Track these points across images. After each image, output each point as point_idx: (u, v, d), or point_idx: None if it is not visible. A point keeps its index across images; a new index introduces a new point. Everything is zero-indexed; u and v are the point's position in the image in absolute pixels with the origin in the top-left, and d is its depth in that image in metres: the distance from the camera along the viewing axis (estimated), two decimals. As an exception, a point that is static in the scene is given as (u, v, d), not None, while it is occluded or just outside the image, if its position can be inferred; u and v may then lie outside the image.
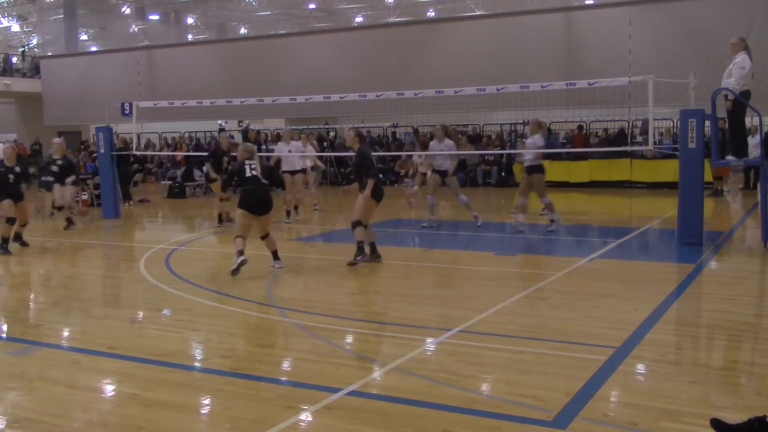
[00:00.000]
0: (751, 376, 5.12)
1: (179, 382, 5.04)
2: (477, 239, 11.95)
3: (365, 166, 9.18)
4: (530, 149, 12.09)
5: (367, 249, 9.24)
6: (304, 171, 14.55)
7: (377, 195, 9.15)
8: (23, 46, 39.65)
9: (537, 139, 12.03)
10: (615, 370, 5.07)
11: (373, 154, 9.65)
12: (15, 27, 40.83)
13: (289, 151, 14.01)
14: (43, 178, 14.43)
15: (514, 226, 12.30)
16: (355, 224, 9.12)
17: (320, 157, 20.51)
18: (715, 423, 3.85)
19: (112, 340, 6.09)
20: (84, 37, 42.42)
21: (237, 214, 8.97)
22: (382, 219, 14.09)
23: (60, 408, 4.59)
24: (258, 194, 8.88)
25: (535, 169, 11.98)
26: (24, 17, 39.37)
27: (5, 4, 37.42)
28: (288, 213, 14.12)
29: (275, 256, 9.12)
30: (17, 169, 11.21)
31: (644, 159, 20.43)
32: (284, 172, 13.83)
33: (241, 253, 8.59)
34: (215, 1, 36.11)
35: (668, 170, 19.18)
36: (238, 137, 25.86)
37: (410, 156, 23.51)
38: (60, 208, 13.64)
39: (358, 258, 9.04)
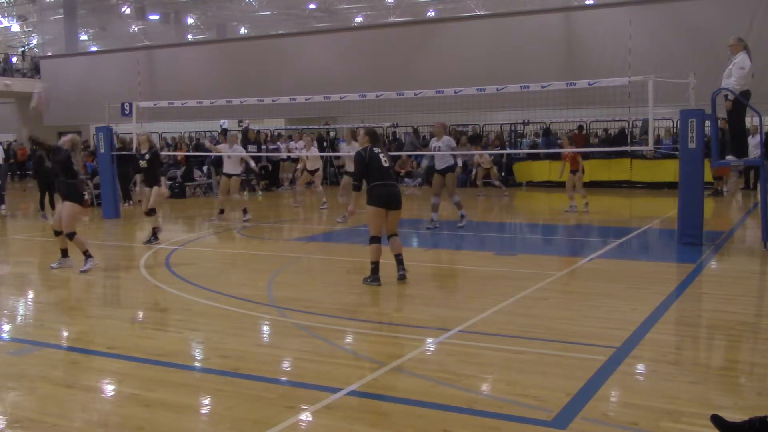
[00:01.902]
0: (751, 376, 5.11)
1: (179, 382, 5.03)
2: (477, 239, 11.95)
3: (354, 168, 8.14)
4: (446, 151, 12.44)
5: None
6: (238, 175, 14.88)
7: (375, 200, 7.90)
8: (23, 46, 39.67)
9: (449, 140, 12.50)
10: (615, 370, 5.07)
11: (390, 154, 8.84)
12: (15, 27, 40.85)
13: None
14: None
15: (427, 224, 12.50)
16: (369, 240, 8.06)
17: (321, 158, 20.66)
18: (716, 419, 3.85)
19: (112, 340, 6.08)
20: (84, 37, 42.44)
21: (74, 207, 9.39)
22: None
23: (60, 408, 4.59)
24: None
25: (449, 169, 12.45)
26: (24, 17, 39.39)
27: (5, 4, 37.43)
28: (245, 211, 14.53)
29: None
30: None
31: (644, 159, 20.43)
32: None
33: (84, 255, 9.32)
34: (215, 1, 36.12)
35: (668, 170, 19.19)
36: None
37: (410, 156, 23.56)
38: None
39: (368, 279, 8.03)
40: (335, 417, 4.35)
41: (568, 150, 15.16)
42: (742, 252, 10.45)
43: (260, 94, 16.63)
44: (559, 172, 15.89)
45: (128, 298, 8.30)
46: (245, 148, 22.25)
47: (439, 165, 12.50)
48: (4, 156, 18.08)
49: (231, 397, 4.69)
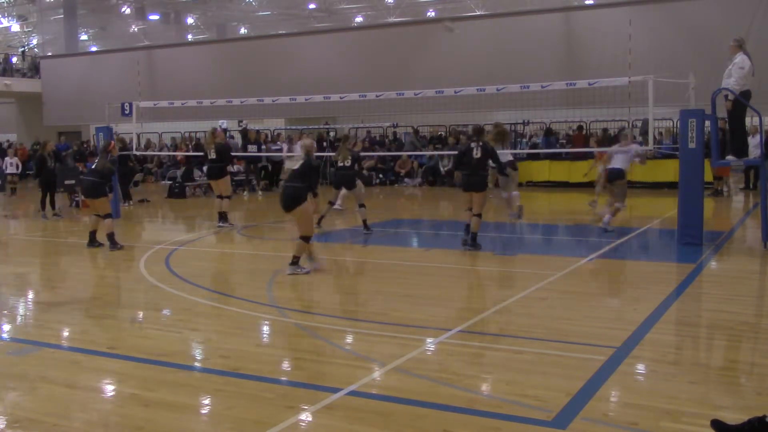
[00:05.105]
0: (751, 376, 5.12)
1: (179, 382, 5.03)
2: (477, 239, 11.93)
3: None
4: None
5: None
6: None
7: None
8: (23, 46, 39.65)
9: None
10: (615, 370, 5.07)
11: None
12: (15, 27, 40.81)
13: None
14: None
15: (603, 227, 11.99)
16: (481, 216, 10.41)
17: (321, 158, 20.68)
18: (716, 424, 3.85)
19: (112, 340, 6.09)
20: (84, 37, 42.42)
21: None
22: (383, 219, 14.09)
23: (60, 408, 4.59)
24: None
25: (619, 176, 11.76)
26: (24, 17, 39.36)
27: (5, 4, 37.41)
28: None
29: None
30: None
31: (644, 159, 20.40)
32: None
33: None
34: (215, 1, 36.10)
35: (668, 170, 19.17)
36: (237, 137, 25.90)
37: (410, 156, 23.57)
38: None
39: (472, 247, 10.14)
40: (335, 417, 4.35)
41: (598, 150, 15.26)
42: (742, 252, 10.45)
43: (260, 94, 16.65)
44: (587, 169, 15.83)
45: (128, 298, 8.30)
46: (245, 148, 22.31)
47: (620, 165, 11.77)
48: None
49: (231, 397, 4.69)
